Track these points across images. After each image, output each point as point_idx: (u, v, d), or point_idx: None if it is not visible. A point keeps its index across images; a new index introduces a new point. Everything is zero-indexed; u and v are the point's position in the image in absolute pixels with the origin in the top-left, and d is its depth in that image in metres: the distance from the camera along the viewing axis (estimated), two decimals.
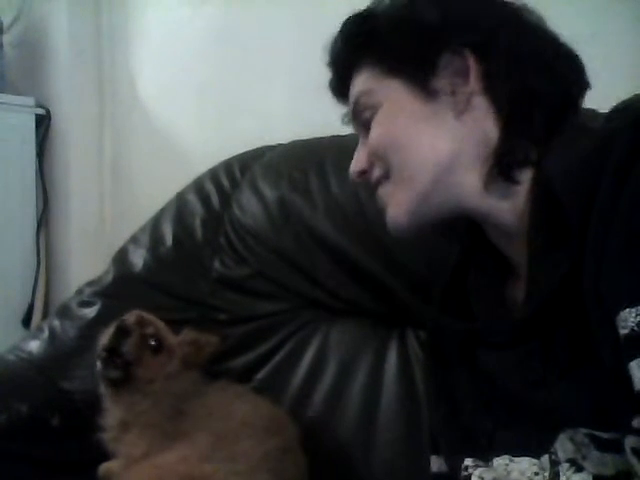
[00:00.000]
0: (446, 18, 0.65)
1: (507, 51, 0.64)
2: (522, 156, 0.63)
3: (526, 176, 0.63)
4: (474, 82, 0.64)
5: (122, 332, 0.94)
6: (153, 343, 0.96)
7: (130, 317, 0.97)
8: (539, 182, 0.61)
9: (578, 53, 0.67)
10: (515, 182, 0.63)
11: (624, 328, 0.49)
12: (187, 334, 1.02)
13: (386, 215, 0.70)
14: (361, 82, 0.70)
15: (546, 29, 0.67)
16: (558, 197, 0.56)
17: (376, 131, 0.68)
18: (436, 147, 0.65)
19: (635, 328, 0.48)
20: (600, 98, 0.67)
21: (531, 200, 0.62)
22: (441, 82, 0.65)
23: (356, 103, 0.71)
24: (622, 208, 0.50)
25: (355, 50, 0.70)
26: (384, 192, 0.70)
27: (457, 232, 0.75)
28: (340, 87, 0.74)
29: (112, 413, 0.97)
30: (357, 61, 0.70)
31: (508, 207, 0.64)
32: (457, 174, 0.65)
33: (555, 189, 0.57)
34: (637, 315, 0.48)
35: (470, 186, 0.65)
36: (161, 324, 1.01)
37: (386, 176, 0.69)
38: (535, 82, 0.63)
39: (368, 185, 0.73)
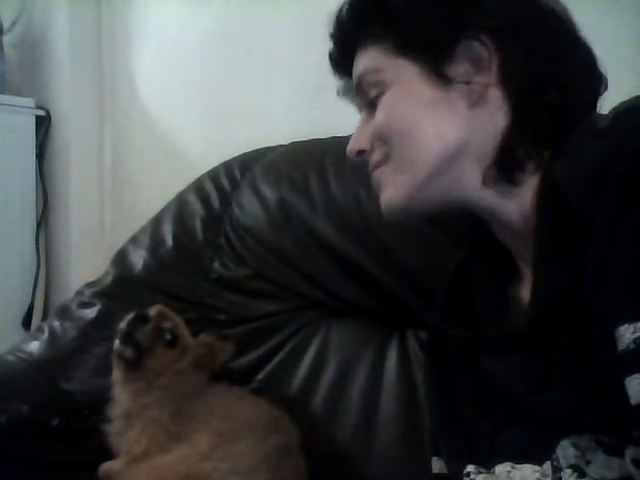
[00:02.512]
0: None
1: (527, 44, 0.61)
2: (523, 155, 0.61)
3: (531, 179, 0.61)
4: (492, 73, 0.61)
5: (140, 319, 0.98)
6: (168, 337, 0.99)
7: (152, 309, 1.01)
8: (547, 185, 0.60)
9: (596, 57, 0.65)
10: (514, 183, 0.61)
11: (621, 343, 0.48)
12: (204, 337, 1.05)
13: (380, 197, 0.68)
14: (368, 58, 0.66)
15: (569, 25, 0.64)
16: (569, 202, 0.55)
17: (382, 113, 0.65)
18: (443, 136, 0.63)
19: (631, 345, 0.47)
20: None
21: (538, 203, 0.61)
22: (457, 69, 0.62)
23: (360, 80, 0.67)
24: (628, 222, 0.49)
25: (364, 22, 0.66)
26: (381, 174, 0.67)
27: (461, 227, 0.74)
28: (342, 60, 0.71)
29: (119, 402, 0.99)
30: (364, 34, 0.66)
31: (513, 206, 0.63)
32: (460, 166, 0.63)
33: (564, 194, 0.55)
34: (635, 332, 0.47)
35: (470, 180, 0.63)
36: (181, 323, 1.03)
37: (385, 160, 0.66)
38: (550, 81, 0.61)
39: (363, 165, 0.70)
